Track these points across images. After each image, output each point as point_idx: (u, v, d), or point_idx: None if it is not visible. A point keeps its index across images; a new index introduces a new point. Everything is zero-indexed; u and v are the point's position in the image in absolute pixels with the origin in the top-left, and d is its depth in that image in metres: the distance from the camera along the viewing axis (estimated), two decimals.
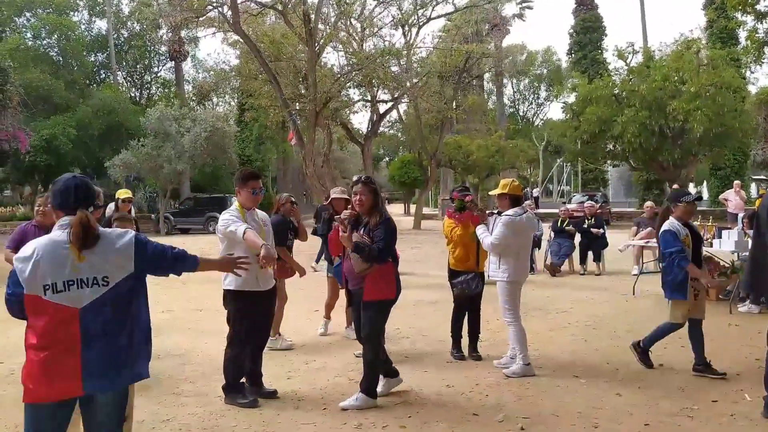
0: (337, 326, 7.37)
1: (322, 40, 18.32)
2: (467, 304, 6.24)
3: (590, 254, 12.44)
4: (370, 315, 4.79)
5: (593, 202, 17.15)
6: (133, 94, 40.35)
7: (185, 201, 31.22)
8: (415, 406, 4.80)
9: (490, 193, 6.13)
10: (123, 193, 8.60)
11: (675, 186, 14.46)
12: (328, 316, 7.33)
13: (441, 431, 4.30)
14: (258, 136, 33.47)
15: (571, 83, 28.85)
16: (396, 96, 24.01)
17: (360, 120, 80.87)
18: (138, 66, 41.38)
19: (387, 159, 54.45)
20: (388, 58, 20.75)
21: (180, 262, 3.08)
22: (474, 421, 4.48)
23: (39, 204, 5.69)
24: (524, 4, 40.62)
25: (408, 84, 23.23)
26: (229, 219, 4.84)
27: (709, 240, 8.76)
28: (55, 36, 34.63)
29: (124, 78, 41.35)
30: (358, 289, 4.83)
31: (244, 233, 4.65)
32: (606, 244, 12.49)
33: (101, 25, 39.79)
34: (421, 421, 4.48)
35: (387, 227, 4.74)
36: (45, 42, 35.29)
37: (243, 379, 5.01)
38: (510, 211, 5.55)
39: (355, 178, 5.05)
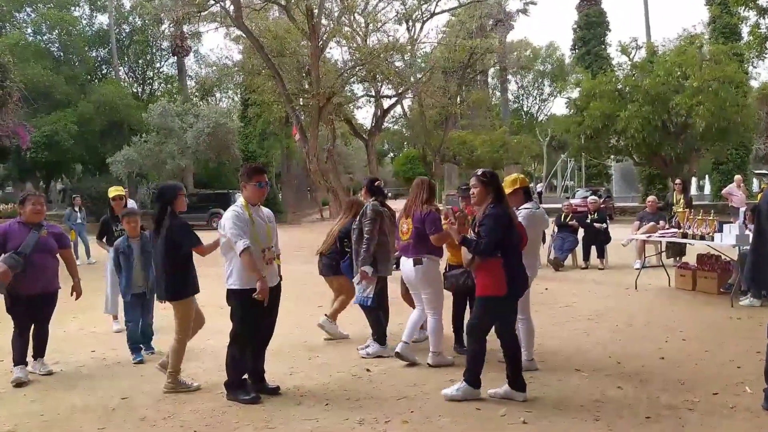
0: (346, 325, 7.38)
1: (325, 35, 18.29)
2: (465, 299, 6.24)
3: (593, 249, 12.45)
4: (479, 310, 4.81)
5: (596, 197, 17.15)
6: (135, 90, 40.20)
7: (188, 197, 31.22)
8: (417, 401, 4.80)
9: None
10: (113, 191, 7.93)
11: (678, 181, 14.41)
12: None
13: (444, 426, 4.31)
14: (261, 132, 33.46)
15: (574, 78, 28.79)
16: (400, 91, 23.99)
17: (364, 115, 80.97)
18: (140, 61, 41.26)
19: (392, 155, 54.34)
20: (391, 53, 20.71)
21: None
22: (477, 416, 4.49)
23: (35, 203, 5.61)
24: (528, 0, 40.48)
25: (412, 79, 23.20)
26: (234, 227, 4.79)
27: (711, 234, 8.75)
28: (56, 31, 34.58)
29: (125, 73, 41.23)
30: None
31: (242, 252, 4.71)
32: (609, 239, 12.49)
33: (102, 20, 39.76)
34: (423, 416, 4.49)
35: (493, 221, 4.67)
36: (46, 37, 35.24)
37: (245, 376, 5.01)
38: (528, 205, 5.48)
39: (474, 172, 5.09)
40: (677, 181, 14.58)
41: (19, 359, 5.60)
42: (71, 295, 5.83)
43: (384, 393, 5.02)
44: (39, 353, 5.83)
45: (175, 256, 5.14)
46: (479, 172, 4.96)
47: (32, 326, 5.72)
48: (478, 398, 4.74)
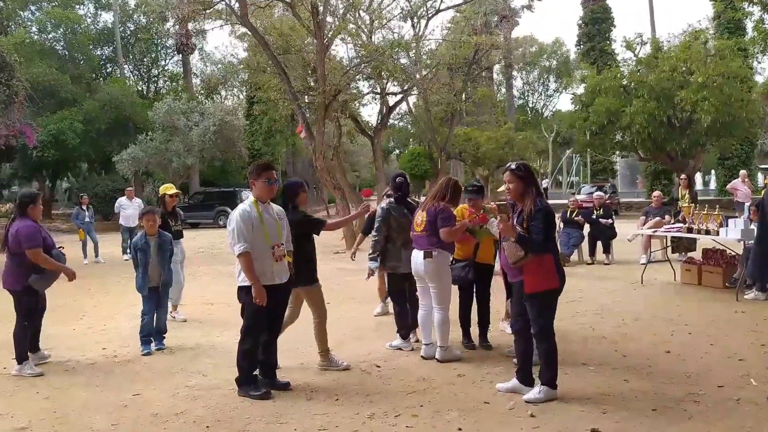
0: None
1: (330, 33, 18.26)
2: (471, 294, 6.30)
3: (599, 244, 12.48)
4: (536, 309, 4.65)
5: (602, 193, 17.15)
6: (140, 88, 40.16)
7: (195, 195, 31.33)
8: (426, 395, 4.86)
9: (498, 190, 6.11)
10: (168, 188, 8.15)
11: (683, 176, 14.41)
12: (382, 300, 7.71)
13: (452, 420, 4.36)
14: (267, 130, 33.50)
15: (579, 74, 28.74)
16: (405, 88, 23.97)
17: (369, 113, 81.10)
18: (145, 59, 41.20)
19: (397, 152, 54.33)
20: (397, 50, 20.69)
21: None
22: (485, 410, 4.54)
23: (41, 203, 6.01)
24: None
25: (417, 76, 23.19)
26: (236, 228, 4.88)
27: (716, 229, 8.78)
28: (61, 30, 34.57)
29: (131, 71, 41.16)
30: (518, 282, 4.72)
31: (239, 255, 4.85)
32: (614, 234, 12.52)
33: (107, 18, 39.59)
34: (432, 410, 4.54)
35: (544, 217, 4.60)
36: (50, 36, 35.18)
37: (256, 372, 5.08)
38: None
39: (506, 165, 4.91)
40: (682, 176, 14.59)
41: (26, 355, 5.75)
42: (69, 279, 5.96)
43: (393, 388, 5.07)
44: (36, 348, 6.04)
45: (299, 247, 5.38)
46: (513, 165, 4.79)
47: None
48: (556, 398, 4.63)
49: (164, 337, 6.60)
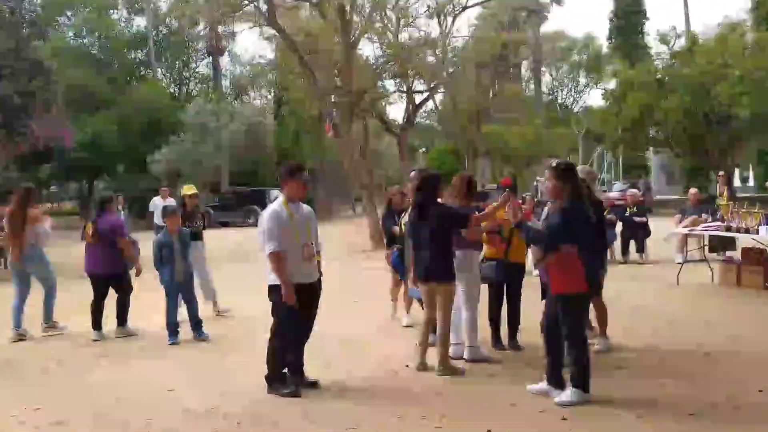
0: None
1: (357, 32, 18.30)
2: (502, 293, 6.21)
3: (632, 243, 12.22)
4: (563, 311, 4.60)
5: (636, 190, 16.87)
6: (172, 90, 40.77)
7: (224, 195, 31.64)
8: (455, 397, 4.81)
9: (538, 179, 5.99)
10: (188, 189, 8.38)
11: (721, 173, 14.09)
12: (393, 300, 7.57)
13: (482, 421, 4.30)
14: (295, 130, 33.71)
15: (611, 69, 28.36)
16: (432, 86, 23.93)
17: (396, 111, 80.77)
18: (177, 62, 41.81)
19: (423, 150, 54.24)
20: (423, 48, 20.69)
21: None
22: (515, 411, 4.47)
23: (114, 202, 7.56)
24: None
25: (444, 74, 23.12)
26: (267, 228, 4.90)
27: (756, 227, 8.54)
28: (96, 34, 35.24)
29: (163, 74, 41.78)
30: (548, 282, 4.70)
31: (269, 254, 4.86)
32: (649, 233, 12.25)
33: (140, 22, 40.34)
34: (461, 412, 4.49)
35: (563, 216, 4.53)
36: (86, 41, 35.92)
37: (285, 369, 5.08)
38: None
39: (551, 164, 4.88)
40: (720, 173, 14.26)
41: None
42: None
43: (421, 388, 5.03)
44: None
45: (443, 241, 5.31)
46: (554, 163, 4.77)
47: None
48: (588, 401, 4.54)
49: (202, 326, 6.91)
